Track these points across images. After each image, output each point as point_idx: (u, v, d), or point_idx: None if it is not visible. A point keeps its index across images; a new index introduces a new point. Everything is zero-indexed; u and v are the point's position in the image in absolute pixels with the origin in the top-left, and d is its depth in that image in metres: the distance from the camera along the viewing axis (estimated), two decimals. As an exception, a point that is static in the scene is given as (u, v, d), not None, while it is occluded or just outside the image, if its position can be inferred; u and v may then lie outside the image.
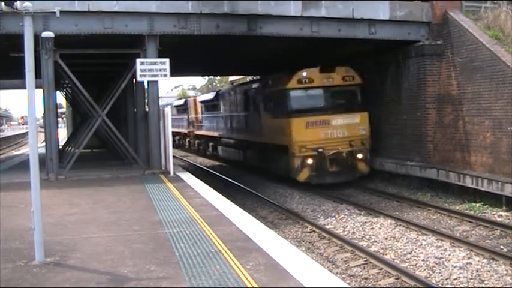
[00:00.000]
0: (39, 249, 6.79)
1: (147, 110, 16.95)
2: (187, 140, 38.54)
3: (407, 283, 9.24)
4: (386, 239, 12.13)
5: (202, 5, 15.38)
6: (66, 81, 22.03)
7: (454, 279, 9.40)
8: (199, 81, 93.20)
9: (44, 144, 16.99)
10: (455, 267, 9.89)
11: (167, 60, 15.37)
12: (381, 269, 10.02)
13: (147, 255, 6.97)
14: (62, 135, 38.34)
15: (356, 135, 18.33)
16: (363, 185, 18.49)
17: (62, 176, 15.14)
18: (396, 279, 9.46)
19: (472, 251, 10.69)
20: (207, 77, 68.42)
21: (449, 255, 10.56)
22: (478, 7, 18.05)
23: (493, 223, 12.70)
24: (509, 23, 16.53)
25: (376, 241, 12.05)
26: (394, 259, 10.66)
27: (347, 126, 18.26)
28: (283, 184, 19.40)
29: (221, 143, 27.90)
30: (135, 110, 18.81)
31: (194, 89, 79.04)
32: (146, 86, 16.66)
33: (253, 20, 16.01)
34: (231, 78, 47.92)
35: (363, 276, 9.91)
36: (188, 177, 14.86)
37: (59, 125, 33.26)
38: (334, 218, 14.36)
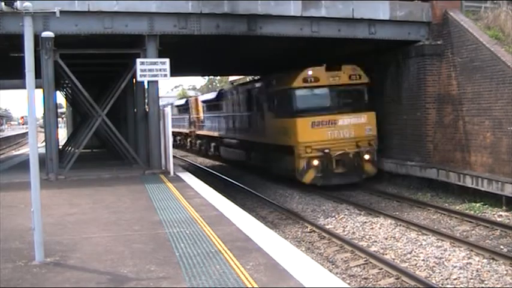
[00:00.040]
0: (39, 249, 6.79)
1: (147, 110, 16.95)
2: (188, 140, 38.25)
3: (407, 283, 9.24)
4: (386, 239, 12.13)
5: (202, 5, 15.38)
6: (66, 81, 22.04)
7: (454, 279, 9.40)
8: (199, 81, 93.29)
9: (44, 144, 16.99)
10: (455, 267, 9.89)
11: (167, 60, 15.37)
12: (381, 269, 10.01)
13: (147, 255, 6.97)
14: (62, 135, 38.34)
15: (363, 135, 17.97)
16: (363, 185, 18.46)
17: (62, 176, 15.15)
18: (396, 279, 9.46)
19: (472, 251, 10.69)
20: (207, 77, 68.44)
21: (449, 255, 10.56)
22: (478, 7, 18.06)
23: (493, 223, 12.70)
24: (509, 23, 16.54)
25: (376, 241, 12.05)
26: (394, 259, 10.66)
27: (354, 126, 17.86)
28: (283, 184, 19.39)
29: (223, 144, 27.46)
30: (135, 110, 18.81)
31: (194, 89, 79.05)
32: (146, 86, 16.66)
33: (253, 20, 16.01)
34: (231, 78, 47.90)
35: (363, 276, 9.91)
36: (188, 177, 14.86)
37: (59, 125, 33.27)
38: (334, 218, 14.36)
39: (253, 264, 6.30)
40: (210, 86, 70.63)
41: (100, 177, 15.39)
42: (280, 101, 18.78)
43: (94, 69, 21.07)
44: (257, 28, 16.12)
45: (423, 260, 10.41)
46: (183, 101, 41.23)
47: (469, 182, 15.19)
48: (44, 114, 16.15)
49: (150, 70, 15.34)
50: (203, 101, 32.41)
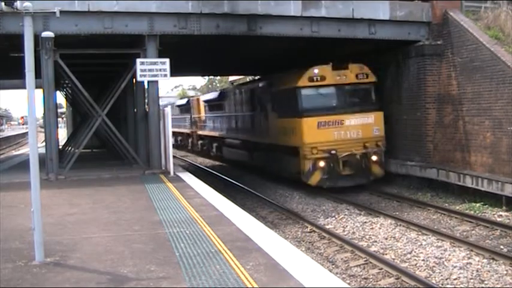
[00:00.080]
0: (39, 249, 6.79)
1: (147, 110, 16.95)
2: (190, 140, 37.85)
3: (407, 283, 9.24)
4: (386, 239, 12.13)
5: (202, 5, 15.38)
6: (66, 81, 22.04)
7: (454, 279, 9.40)
8: (199, 81, 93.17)
9: (44, 144, 16.99)
10: (455, 267, 9.89)
11: (167, 60, 15.37)
12: (381, 269, 10.02)
13: (147, 255, 6.97)
14: (62, 135, 38.34)
15: (370, 136, 17.50)
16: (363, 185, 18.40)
17: (62, 176, 15.15)
18: (396, 279, 9.47)
19: (472, 251, 10.69)
20: (207, 77, 68.40)
21: (449, 255, 10.56)
22: (478, 7, 18.05)
23: (493, 223, 12.70)
24: (509, 23, 16.54)
25: (376, 241, 12.05)
26: (394, 259, 10.66)
27: (361, 127, 17.38)
28: (283, 184, 19.38)
29: (226, 144, 26.98)
30: (135, 110, 18.81)
31: (194, 89, 79.01)
32: (146, 86, 16.67)
33: (253, 20, 16.01)
34: (231, 78, 47.88)
35: (363, 276, 9.91)
36: (188, 177, 14.86)
37: (59, 125, 33.26)
38: (334, 218, 14.36)
39: (253, 264, 6.30)
40: (210, 86, 70.59)
41: (100, 177, 15.39)
42: (285, 101, 18.24)
43: (94, 69, 21.07)
44: (257, 28, 16.12)
45: (423, 260, 10.42)
46: (184, 101, 40.69)
47: (469, 182, 15.19)
48: (44, 114, 16.15)
49: (150, 70, 15.34)
50: (205, 101, 31.95)
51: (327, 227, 13.56)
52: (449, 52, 16.98)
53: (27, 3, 6.99)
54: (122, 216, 9.62)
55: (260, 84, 21.65)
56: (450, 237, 11.65)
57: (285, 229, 13.72)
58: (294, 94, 17.51)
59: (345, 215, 14.56)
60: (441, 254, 10.66)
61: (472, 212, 13.93)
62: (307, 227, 13.67)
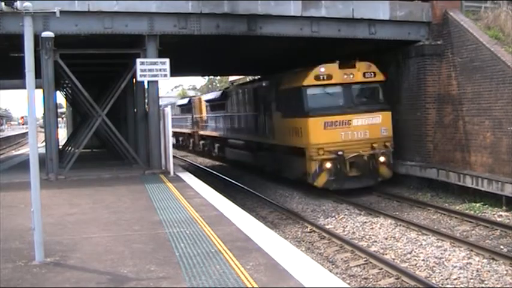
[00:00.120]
0: (39, 249, 6.79)
1: (147, 110, 16.95)
2: (191, 140, 37.34)
3: (407, 283, 9.24)
4: (386, 239, 12.13)
5: (202, 5, 15.39)
6: (66, 81, 22.05)
7: (454, 279, 9.40)
8: (199, 81, 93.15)
9: (44, 144, 17.00)
10: (455, 267, 9.89)
11: (167, 60, 15.37)
12: (381, 269, 10.02)
13: (147, 255, 6.97)
14: (62, 135, 38.34)
15: (378, 136, 17.00)
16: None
17: (62, 176, 15.15)
18: (396, 279, 9.47)
19: (472, 251, 10.69)
20: (207, 77, 68.42)
21: (449, 255, 10.56)
22: (478, 7, 18.05)
23: (493, 223, 12.70)
24: (509, 23, 16.54)
25: (376, 241, 12.05)
26: (394, 259, 10.66)
27: (369, 127, 16.86)
28: (283, 184, 19.38)
29: (228, 144, 26.36)
30: (135, 110, 18.81)
31: (194, 89, 79.03)
32: (146, 86, 16.67)
33: (253, 20, 16.01)
34: (231, 78, 47.86)
35: (363, 276, 9.91)
36: (188, 177, 14.86)
37: (59, 125, 33.26)
38: (334, 218, 14.36)
39: (253, 264, 6.30)
40: (210, 86, 70.61)
41: (100, 177, 15.39)
42: (291, 100, 17.65)
43: (94, 69, 21.07)
44: (257, 28, 16.12)
45: (423, 260, 10.42)
46: (185, 101, 40.05)
47: (469, 182, 15.18)
48: (44, 114, 16.15)
49: (150, 70, 15.34)
50: (207, 101, 31.36)
51: (327, 227, 13.56)
52: (449, 52, 16.98)
53: (27, 3, 6.99)
54: (122, 216, 9.63)
55: (264, 84, 21.09)
56: (450, 237, 11.65)
57: (285, 229, 13.72)
58: (299, 93, 16.99)
59: (345, 215, 14.56)
60: (441, 254, 10.66)
61: (472, 212, 13.93)
62: (307, 227, 13.67)
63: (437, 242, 11.48)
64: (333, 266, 10.65)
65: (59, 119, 38.67)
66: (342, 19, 16.94)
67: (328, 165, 16.35)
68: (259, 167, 22.01)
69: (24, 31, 6.95)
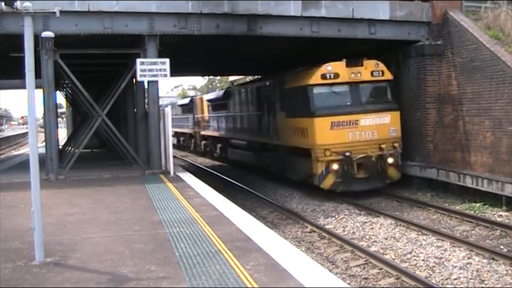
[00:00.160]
0: (39, 249, 6.79)
1: (147, 110, 16.95)
2: (192, 141, 36.94)
3: (407, 283, 9.24)
4: (386, 239, 12.13)
5: (202, 5, 15.39)
6: (66, 81, 22.04)
7: (454, 279, 9.40)
8: (199, 81, 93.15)
9: (44, 144, 17.00)
10: (455, 267, 9.89)
11: (167, 60, 15.38)
12: (381, 269, 10.02)
13: (147, 255, 6.97)
14: (62, 135, 38.34)
15: (387, 137, 16.54)
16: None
17: (62, 176, 15.15)
18: (396, 279, 9.47)
19: (472, 251, 10.69)
20: (207, 77, 68.42)
21: (449, 255, 10.56)
22: (478, 7, 18.06)
23: (493, 223, 12.70)
24: (509, 23, 16.54)
25: (376, 241, 12.05)
26: (394, 259, 10.66)
27: (377, 127, 16.40)
28: (283, 184, 19.38)
29: (231, 145, 25.91)
30: (135, 110, 18.81)
31: (194, 89, 79.03)
32: (146, 86, 16.67)
33: (253, 20, 16.01)
34: (231, 78, 47.84)
35: (363, 276, 9.91)
36: (188, 177, 14.86)
37: (59, 125, 33.25)
38: (334, 218, 14.36)
39: (253, 264, 6.31)
40: (210, 86, 70.62)
41: (100, 177, 15.39)
42: (296, 100, 17.17)
43: (94, 69, 21.07)
44: (257, 28, 16.12)
45: (423, 260, 10.42)
46: (187, 100, 39.51)
47: (469, 182, 15.18)
48: (44, 114, 16.15)
49: (150, 70, 15.35)
50: (209, 100, 30.64)
51: (327, 227, 13.56)
52: (449, 52, 16.98)
53: (27, 3, 6.99)
54: (122, 216, 9.63)
55: (268, 83, 20.57)
56: (450, 237, 11.65)
57: (285, 229, 13.72)
58: (305, 92, 16.54)
59: (345, 215, 14.56)
60: (441, 254, 10.66)
61: (472, 212, 13.93)
62: (307, 227, 13.67)
63: (437, 242, 11.48)
64: (333, 266, 10.65)
65: (59, 119, 38.66)
66: (342, 19, 16.93)
67: (335, 166, 15.93)
68: (262, 168, 21.70)
69: (24, 31, 6.95)
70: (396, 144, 16.74)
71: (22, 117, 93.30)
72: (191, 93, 69.13)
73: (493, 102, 15.07)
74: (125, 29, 15.23)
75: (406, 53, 18.39)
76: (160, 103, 17.40)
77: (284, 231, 13.46)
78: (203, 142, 33.56)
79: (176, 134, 40.27)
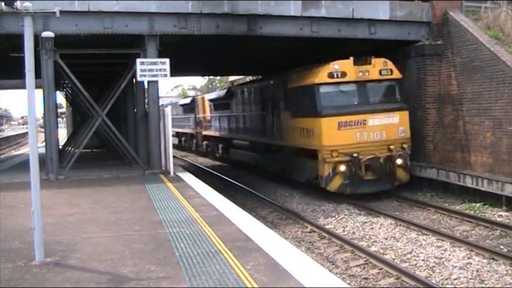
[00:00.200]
0: (39, 249, 6.79)
1: (147, 110, 16.95)
2: (194, 141, 36.57)
3: (407, 283, 9.24)
4: (386, 239, 12.13)
5: (202, 5, 15.39)
6: (66, 81, 22.04)
7: (454, 279, 9.40)
8: (199, 81, 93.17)
9: (44, 144, 17.00)
10: (455, 267, 9.90)
11: (167, 60, 15.38)
12: (381, 269, 10.02)
13: (147, 255, 6.97)
14: (62, 135, 38.34)
15: (395, 137, 16.06)
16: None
17: (62, 176, 15.15)
18: (396, 279, 9.47)
19: (472, 251, 10.70)
20: (207, 77, 68.42)
21: (449, 255, 10.56)
22: (478, 7, 18.06)
23: (493, 223, 12.70)
24: (509, 23, 16.55)
25: (376, 241, 12.05)
26: (394, 259, 10.66)
27: (385, 128, 15.93)
28: (283, 184, 19.38)
29: (233, 145, 25.48)
30: (135, 110, 18.81)
31: (194, 89, 79.01)
32: (146, 86, 16.67)
33: (253, 20, 16.02)
34: (231, 78, 47.82)
35: (363, 276, 9.91)
36: (188, 177, 14.86)
37: (59, 125, 33.25)
38: (334, 218, 14.36)
39: (253, 264, 6.31)
40: (210, 86, 70.61)
41: (100, 177, 15.39)
42: (302, 99, 16.66)
43: (94, 69, 21.07)
44: (257, 28, 16.12)
45: (423, 260, 10.42)
46: (188, 100, 39.07)
47: (469, 182, 15.19)
48: (44, 114, 16.16)
49: (150, 70, 15.35)
50: (211, 100, 30.10)
51: (327, 227, 13.56)
52: (449, 52, 16.98)
53: (27, 3, 6.99)
54: (122, 216, 9.63)
55: (273, 81, 19.98)
56: (450, 237, 11.65)
57: (285, 229, 13.72)
58: (311, 92, 16.08)
59: (345, 215, 14.56)
60: (441, 254, 10.66)
61: (472, 212, 13.93)
62: (307, 227, 13.67)
63: (437, 242, 11.48)
64: (333, 266, 10.65)
65: (59, 119, 38.66)
66: (342, 19, 16.94)
67: (342, 168, 15.48)
68: (266, 169, 21.40)
69: (24, 31, 6.95)
70: (405, 145, 16.31)
71: (22, 117, 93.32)
72: (191, 93, 69.13)
73: (493, 102, 15.07)
74: (125, 29, 15.23)
75: (406, 53, 18.38)
76: (160, 103, 17.39)
77: (284, 231, 13.46)
78: (205, 142, 33.24)
79: (177, 134, 40.16)
